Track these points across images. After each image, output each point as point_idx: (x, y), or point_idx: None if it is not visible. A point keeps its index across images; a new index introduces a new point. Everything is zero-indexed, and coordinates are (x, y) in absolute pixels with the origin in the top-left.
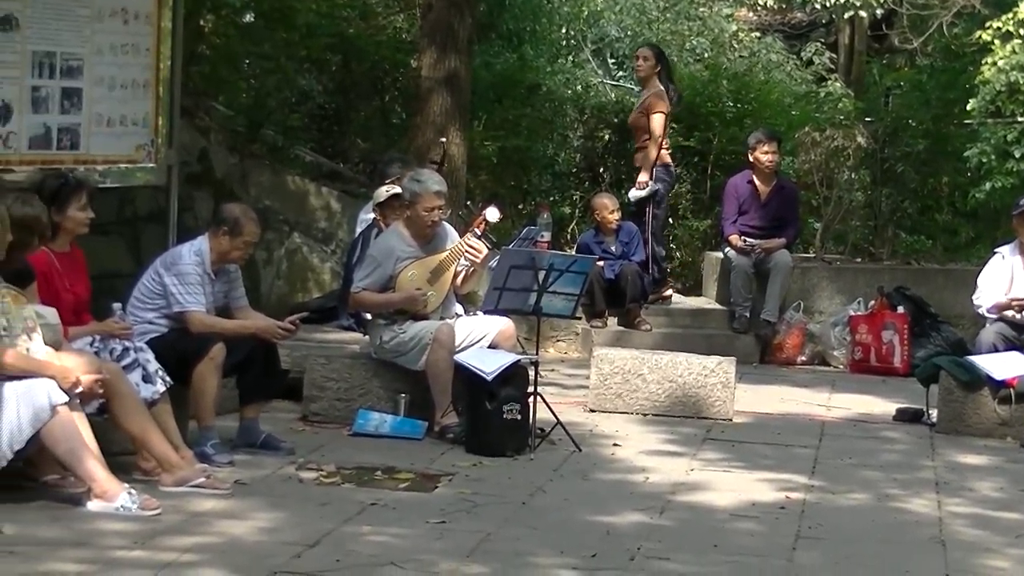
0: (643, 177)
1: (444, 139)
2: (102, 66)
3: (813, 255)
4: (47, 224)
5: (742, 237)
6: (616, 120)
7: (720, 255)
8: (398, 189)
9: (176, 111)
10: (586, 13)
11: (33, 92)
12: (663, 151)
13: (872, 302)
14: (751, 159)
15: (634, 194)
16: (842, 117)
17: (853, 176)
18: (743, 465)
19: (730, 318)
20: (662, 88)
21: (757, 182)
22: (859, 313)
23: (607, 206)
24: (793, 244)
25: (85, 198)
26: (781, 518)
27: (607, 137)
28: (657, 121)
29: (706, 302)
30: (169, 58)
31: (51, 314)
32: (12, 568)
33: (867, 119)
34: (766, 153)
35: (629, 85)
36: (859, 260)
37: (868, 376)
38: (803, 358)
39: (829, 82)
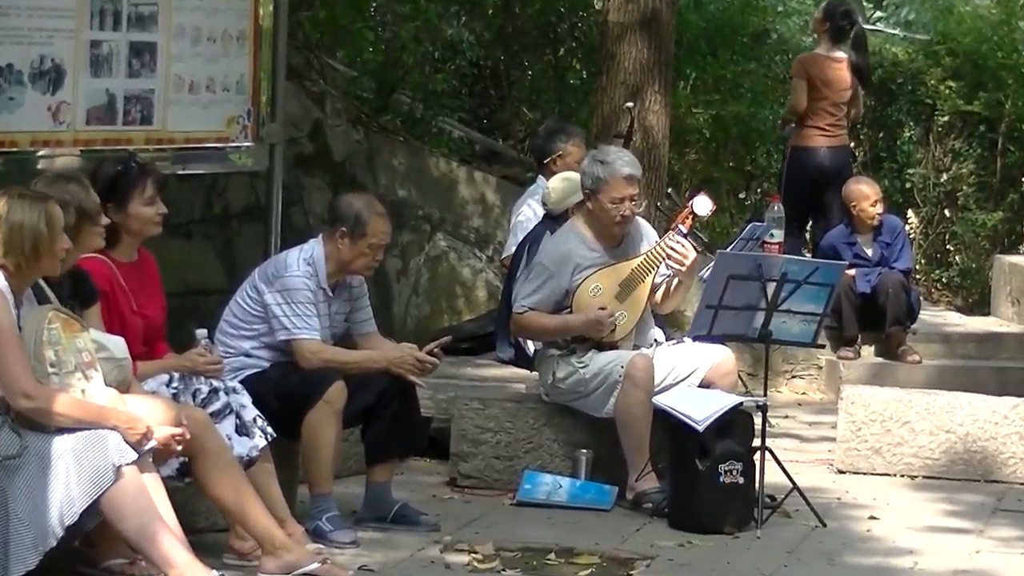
0: None
1: (632, 103)
2: (183, 13)
3: None
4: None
5: None
6: (872, 78)
7: (1018, 259)
8: None
9: (281, 72)
10: None
11: (92, 49)
12: None
13: None
14: None
15: None
16: None
17: None
18: None
19: None
20: None
21: None
22: None
23: (866, 195)
24: None
25: (152, 188)
26: None
27: (864, 102)
28: None
29: (997, 323)
30: (272, 2)
31: (116, 345)
32: None
33: None
34: None
35: (890, 30)
36: None
37: None
38: None
39: None
